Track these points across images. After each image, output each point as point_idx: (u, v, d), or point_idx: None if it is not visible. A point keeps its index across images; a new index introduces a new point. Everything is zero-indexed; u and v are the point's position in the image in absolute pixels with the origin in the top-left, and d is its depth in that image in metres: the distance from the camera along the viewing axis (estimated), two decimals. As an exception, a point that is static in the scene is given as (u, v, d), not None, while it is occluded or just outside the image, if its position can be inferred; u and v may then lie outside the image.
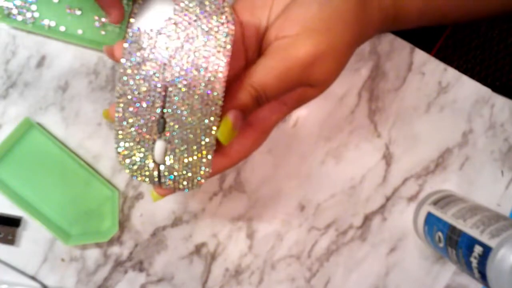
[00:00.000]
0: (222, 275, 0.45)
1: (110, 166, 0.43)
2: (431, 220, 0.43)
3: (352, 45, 0.30)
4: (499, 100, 0.46)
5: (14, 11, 0.39)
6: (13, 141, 0.41)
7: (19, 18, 0.39)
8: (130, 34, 0.27)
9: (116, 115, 0.28)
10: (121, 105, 0.27)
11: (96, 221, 0.43)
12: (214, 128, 0.27)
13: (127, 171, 0.28)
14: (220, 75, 0.27)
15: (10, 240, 0.42)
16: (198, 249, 0.44)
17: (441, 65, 0.45)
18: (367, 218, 0.46)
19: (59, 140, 0.41)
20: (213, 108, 0.27)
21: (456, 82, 0.46)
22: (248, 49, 0.32)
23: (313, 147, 0.45)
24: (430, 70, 0.45)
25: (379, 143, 0.45)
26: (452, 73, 0.45)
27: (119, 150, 0.28)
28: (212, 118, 0.27)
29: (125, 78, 0.27)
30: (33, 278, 0.43)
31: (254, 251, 0.45)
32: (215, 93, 0.27)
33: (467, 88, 0.46)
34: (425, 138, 0.46)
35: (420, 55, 0.45)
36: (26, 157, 0.41)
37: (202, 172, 0.28)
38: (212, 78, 0.27)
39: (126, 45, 0.27)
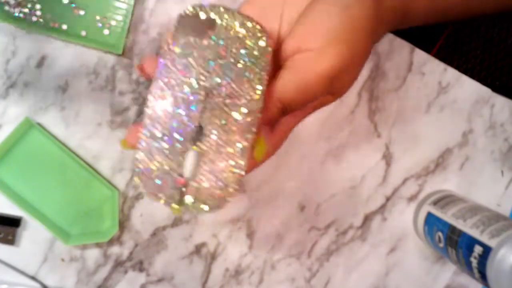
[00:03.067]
0: (222, 275, 0.45)
1: (110, 166, 0.43)
2: (431, 220, 0.43)
3: (369, 51, 0.30)
4: (499, 100, 0.46)
5: (16, 10, 0.39)
6: (13, 141, 0.41)
7: (21, 17, 0.39)
8: (174, 44, 0.27)
9: (147, 121, 0.27)
10: (152, 116, 0.27)
11: (96, 221, 0.43)
12: (247, 146, 0.27)
13: (144, 189, 0.27)
14: (258, 92, 0.27)
15: (10, 240, 0.42)
16: (198, 249, 0.44)
17: (441, 65, 0.45)
18: (367, 218, 0.46)
19: (59, 140, 0.41)
20: (249, 128, 0.27)
21: (456, 82, 0.46)
22: None
23: (313, 147, 0.45)
24: (430, 70, 0.45)
25: (379, 143, 0.45)
26: (452, 73, 0.45)
27: (138, 156, 0.27)
28: (248, 136, 0.27)
29: (162, 84, 0.27)
30: (33, 278, 0.43)
31: (254, 251, 0.45)
32: (252, 111, 0.27)
33: (467, 88, 0.46)
34: (425, 138, 0.46)
35: (420, 55, 0.45)
36: (26, 157, 0.41)
37: (230, 190, 0.27)
38: (251, 97, 0.27)
39: (165, 55, 0.27)
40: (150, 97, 0.27)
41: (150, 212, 0.43)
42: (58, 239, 0.42)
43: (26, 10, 0.40)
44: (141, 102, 0.42)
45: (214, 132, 0.27)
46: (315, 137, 0.45)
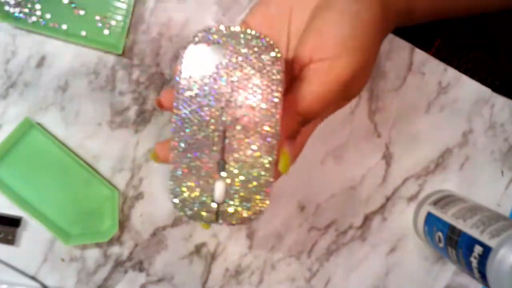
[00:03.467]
0: (222, 275, 0.45)
1: (110, 166, 0.43)
2: (431, 220, 0.43)
3: (378, 52, 0.31)
4: (499, 100, 0.46)
5: (16, 10, 0.39)
6: (13, 141, 0.41)
7: (21, 17, 0.39)
8: (184, 82, 0.27)
9: (173, 162, 0.28)
10: (179, 150, 0.28)
11: (96, 221, 0.43)
12: (272, 162, 0.28)
13: (182, 213, 0.29)
14: (275, 111, 0.27)
15: (10, 240, 0.42)
16: (198, 249, 0.44)
17: (441, 65, 0.45)
18: (367, 218, 0.46)
19: (59, 140, 0.41)
20: (271, 145, 0.28)
21: (456, 82, 0.45)
22: None
23: (313, 147, 0.45)
24: (430, 70, 0.45)
25: (379, 143, 0.45)
26: (452, 73, 0.45)
27: (170, 187, 0.28)
28: (272, 155, 0.28)
29: (181, 124, 0.27)
30: (33, 278, 0.43)
31: (254, 251, 0.45)
32: (272, 130, 0.27)
33: (467, 88, 0.46)
34: (425, 138, 0.46)
35: (420, 55, 0.45)
36: (26, 157, 0.41)
37: (264, 206, 0.29)
38: (268, 116, 0.27)
39: (177, 94, 0.27)
40: (172, 130, 0.28)
41: (150, 212, 0.43)
42: (58, 239, 0.42)
43: (26, 10, 0.40)
44: (141, 102, 0.42)
45: (241, 153, 0.28)
46: (315, 137, 0.44)
